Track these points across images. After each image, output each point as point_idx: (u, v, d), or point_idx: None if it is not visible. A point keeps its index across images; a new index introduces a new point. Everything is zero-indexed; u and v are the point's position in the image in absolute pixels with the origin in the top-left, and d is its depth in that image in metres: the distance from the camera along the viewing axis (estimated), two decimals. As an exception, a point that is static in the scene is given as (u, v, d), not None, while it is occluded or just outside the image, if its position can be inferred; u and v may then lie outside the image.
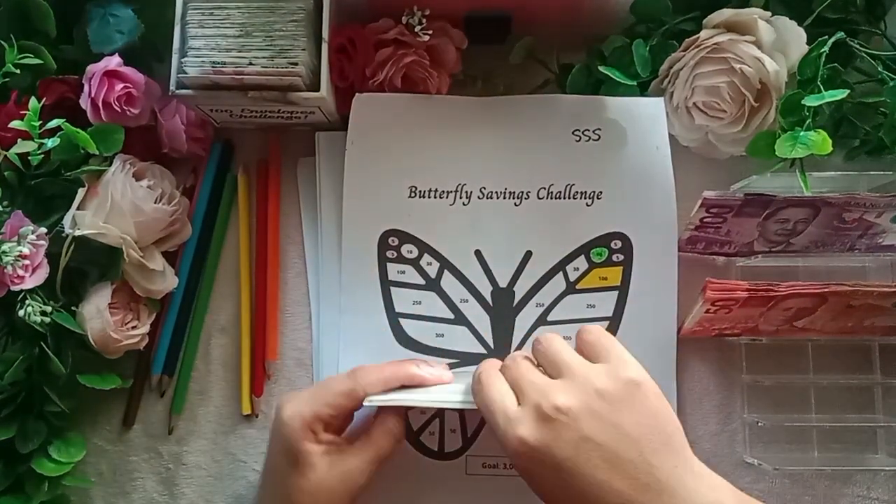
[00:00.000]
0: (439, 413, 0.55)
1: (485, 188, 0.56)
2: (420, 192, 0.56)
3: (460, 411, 0.55)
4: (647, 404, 0.41)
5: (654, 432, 0.40)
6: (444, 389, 0.48)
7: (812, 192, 0.50)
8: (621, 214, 0.55)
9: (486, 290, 0.56)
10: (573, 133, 0.56)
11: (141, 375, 0.58)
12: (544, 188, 0.56)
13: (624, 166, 0.56)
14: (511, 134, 0.57)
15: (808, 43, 0.52)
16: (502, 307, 0.55)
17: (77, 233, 0.52)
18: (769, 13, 0.53)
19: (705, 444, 0.55)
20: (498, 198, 0.56)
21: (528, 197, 0.56)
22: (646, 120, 0.55)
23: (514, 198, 0.56)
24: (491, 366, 0.46)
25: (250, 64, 0.53)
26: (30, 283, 0.51)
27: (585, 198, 0.56)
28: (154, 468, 0.58)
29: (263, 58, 0.53)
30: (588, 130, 0.56)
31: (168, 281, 0.56)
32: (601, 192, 0.56)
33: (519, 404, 0.42)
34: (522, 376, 0.43)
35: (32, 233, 0.52)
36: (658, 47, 0.56)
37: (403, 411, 0.50)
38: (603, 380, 0.42)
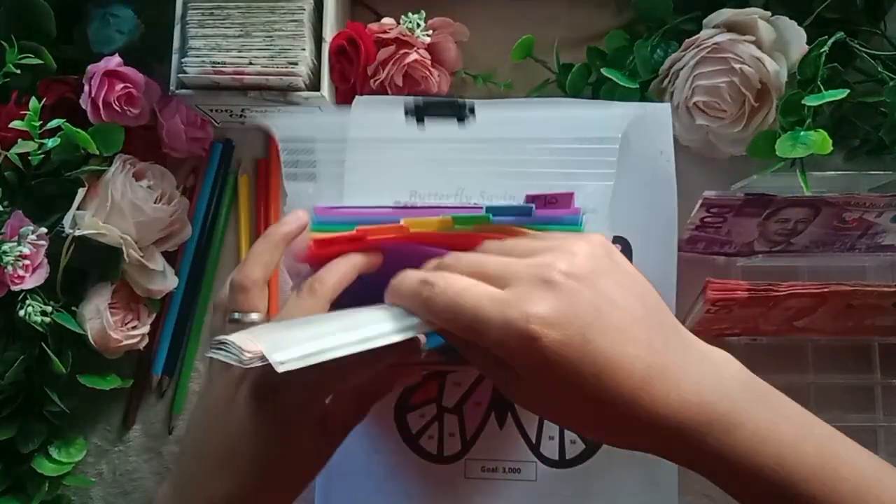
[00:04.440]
0: (438, 416, 0.55)
1: (485, 192, 0.56)
2: (420, 195, 0.56)
3: (460, 415, 0.55)
4: (628, 263, 0.36)
5: (649, 288, 0.36)
6: (364, 325, 0.35)
7: (812, 192, 0.50)
8: (622, 219, 0.55)
9: None
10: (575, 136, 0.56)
11: (141, 375, 0.58)
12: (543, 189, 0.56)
13: (627, 171, 0.55)
14: (510, 136, 0.57)
15: (808, 43, 0.52)
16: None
17: (77, 233, 0.52)
18: (769, 13, 0.53)
19: (705, 444, 0.55)
20: (498, 201, 0.56)
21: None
22: (651, 125, 0.55)
23: (514, 201, 0.56)
24: (420, 271, 0.36)
25: (250, 64, 0.53)
26: (30, 283, 0.51)
27: None
28: (154, 468, 0.58)
29: (263, 58, 0.53)
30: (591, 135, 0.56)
31: (168, 281, 0.56)
32: None
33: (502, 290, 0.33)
34: (485, 263, 0.35)
35: (32, 233, 0.52)
36: (658, 47, 0.56)
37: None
38: (583, 245, 0.35)
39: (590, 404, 0.33)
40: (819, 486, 0.32)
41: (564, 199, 0.44)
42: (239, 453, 0.37)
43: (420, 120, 0.46)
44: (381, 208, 0.47)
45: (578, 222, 0.43)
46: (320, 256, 0.43)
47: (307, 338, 0.33)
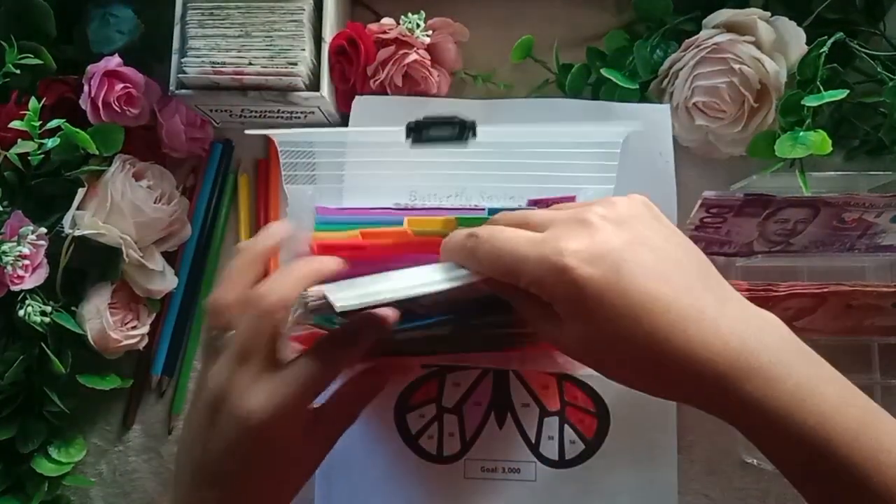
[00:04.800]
0: (438, 416, 0.55)
1: (485, 192, 0.56)
2: (420, 196, 0.56)
3: (459, 416, 0.55)
4: (665, 219, 0.37)
5: (690, 242, 0.36)
6: (416, 276, 0.37)
7: (812, 192, 0.50)
8: None
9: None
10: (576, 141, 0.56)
11: (141, 375, 0.58)
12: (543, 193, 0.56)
13: (626, 172, 0.55)
14: (511, 142, 0.57)
15: (808, 43, 0.52)
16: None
17: (77, 233, 0.52)
18: (769, 13, 0.53)
19: (705, 443, 0.55)
20: (498, 202, 0.56)
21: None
22: (651, 127, 0.55)
23: (514, 202, 0.56)
24: (484, 226, 0.38)
25: (250, 64, 0.53)
26: (30, 283, 0.51)
27: None
28: (154, 468, 0.58)
29: (263, 58, 0.53)
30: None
31: (168, 281, 0.56)
32: None
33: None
34: (527, 215, 0.37)
35: (32, 233, 0.52)
36: (658, 47, 0.56)
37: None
38: (623, 199, 0.36)
39: (625, 343, 0.33)
40: (858, 451, 0.31)
41: (565, 203, 0.44)
42: (226, 472, 0.38)
43: (420, 141, 0.45)
44: (382, 210, 0.47)
45: None
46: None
47: (363, 285, 0.36)
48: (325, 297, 0.35)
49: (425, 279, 0.37)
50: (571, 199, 0.44)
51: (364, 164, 0.51)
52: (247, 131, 0.47)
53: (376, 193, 0.51)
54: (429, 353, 0.49)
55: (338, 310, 0.35)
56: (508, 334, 0.47)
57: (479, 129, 0.45)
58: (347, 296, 0.35)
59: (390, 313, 0.38)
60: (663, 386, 0.35)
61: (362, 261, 0.43)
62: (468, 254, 0.36)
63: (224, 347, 0.39)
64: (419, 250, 0.42)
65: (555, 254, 0.33)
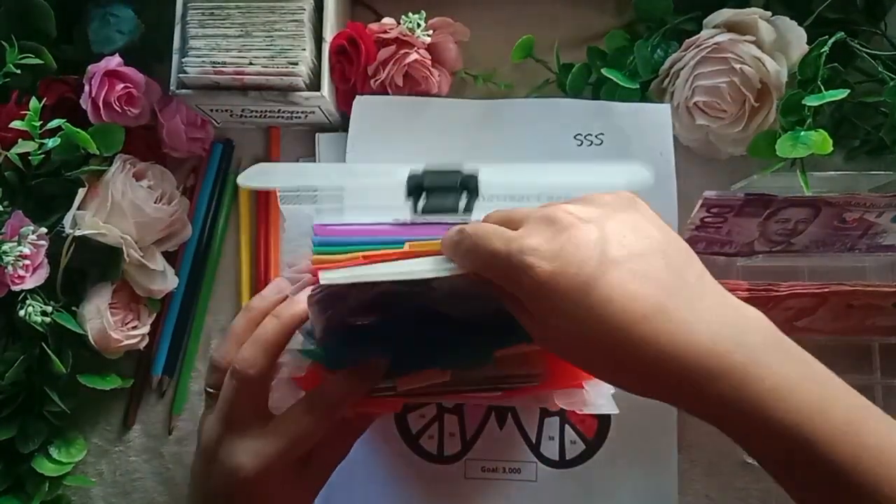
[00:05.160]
0: (438, 416, 0.55)
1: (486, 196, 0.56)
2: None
3: (460, 416, 0.55)
4: (657, 217, 0.37)
5: (675, 239, 0.36)
6: (406, 264, 0.39)
7: (812, 192, 0.50)
8: None
9: None
10: (575, 137, 0.56)
11: (141, 376, 0.58)
12: (545, 192, 0.56)
13: None
14: (512, 137, 0.57)
15: (809, 43, 0.52)
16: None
17: (77, 233, 0.52)
18: (769, 13, 0.53)
19: (705, 444, 0.55)
20: (497, 202, 0.56)
21: (528, 201, 0.56)
22: (651, 127, 0.55)
23: (513, 202, 0.56)
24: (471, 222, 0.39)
25: (250, 64, 0.53)
26: (30, 283, 0.51)
27: None
28: (154, 468, 0.58)
29: (263, 58, 0.53)
30: (591, 135, 0.56)
31: (168, 281, 0.56)
32: None
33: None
34: (516, 210, 0.37)
35: (33, 233, 0.52)
36: (658, 47, 0.56)
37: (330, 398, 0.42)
38: (607, 196, 0.36)
39: (593, 340, 0.33)
40: (841, 451, 0.31)
41: None
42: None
43: (421, 213, 0.44)
44: (382, 225, 0.46)
45: None
46: None
47: (354, 269, 0.38)
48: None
49: (414, 267, 0.38)
50: None
51: (364, 197, 0.50)
52: (240, 181, 0.46)
53: (376, 210, 0.51)
54: (426, 395, 0.49)
55: (322, 281, 0.37)
56: (506, 376, 0.46)
57: (480, 179, 0.43)
58: (335, 276, 0.37)
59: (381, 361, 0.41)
60: (634, 383, 0.34)
61: None
62: (454, 247, 0.37)
63: (214, 404, 0.42)
64: None
65: (519, 252, 0.33)
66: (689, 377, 0.32)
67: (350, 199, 0.48)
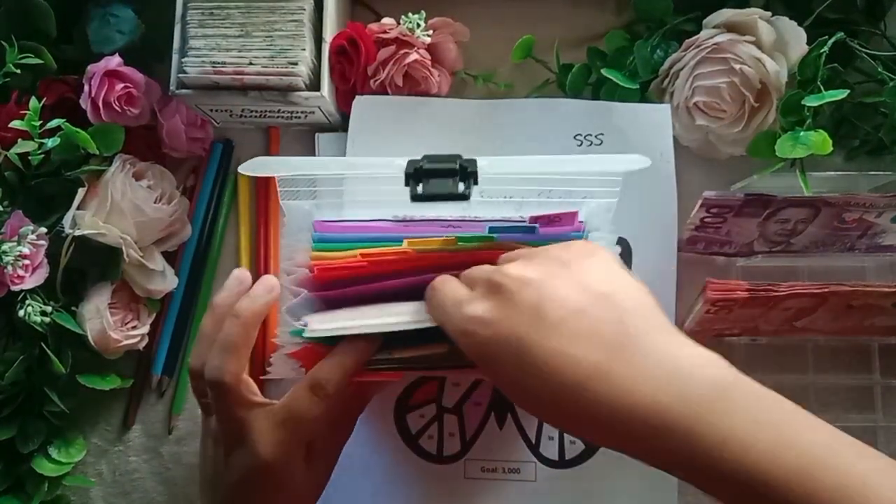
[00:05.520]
0: (438, 416, 0.55)
1: (485, 192, 0.56)
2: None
3: (459, 416, 0.55)
4: (613, 265, 0.37)
5: (625, 290, 0.36)
6: (391, 313, 0.42)
7: (812, 193, 0.50)
8: (622, 220, 0.55)
9: None
10: (574, 137, 0.56)
11: (141, 376, 0.58)
12: (544, 192, 0.56)
13: (627, 173, 0.55)
14: (511, 137, 0.57)
15: (808, 43, 0.52)
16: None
17: (77, 233, 0.52)
18: (769, 13, 0.53)
19: (705, 444, 0.55)
20: (496, 185, 0.56)
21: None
22: (651, 127, 0.55)
23: (513, 201, 0.56)
24: (445, 276, 0.41)
25: (250, 64, 0.53)
26: (30, 283, 0.51)
27: None
28: (154, 468, 0.58)
29: (263, 58, 0.53)
30: (591, 135, 0.56)
31: (168, 281, 0.56)
32: None
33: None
34: (476, 269, 0.39)
35: (32, 233, 0.52)
36: (658, 47, 0.56)
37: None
38: (558, 249, 0.38)
39: (534, 400, 0.35)
40: (793, 495, 0.31)
41: (568, 218, 0.43)
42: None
43: (420, 199, 0.44)
44: (380, 222, 0.47)
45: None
46: (323, 281, 0.43)
47: (339, 318, 0.42)
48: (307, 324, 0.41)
49: (394, 319, 0.40)
50: (574, 214, 0.44)
51: (364, 192, 0.50)
52: (241, 170, 0.48)
53: (375, 206, 0.51)
54: (425, 368, 0.49)
55: (305, 335, 0.41)
56: None
57: (479, 165, 0.44)
58: (321, 328, 0.41)
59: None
60: (593, 437, 0.35)
61: (364, 276, 0.43)
62: (427, 301, 0.39)
63: (209, 411, 0.43)
64: (419, 265, 0.42)
65: (461, 319, 0.36)
66: (637, 434, 0.33)
67: (349, 193, 0.48)
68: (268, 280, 0.44)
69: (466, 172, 0.44)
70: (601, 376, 0.33)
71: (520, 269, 0.36)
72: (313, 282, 0.44)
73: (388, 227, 0.46)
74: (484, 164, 0.44)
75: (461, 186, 0.44)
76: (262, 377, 0.50)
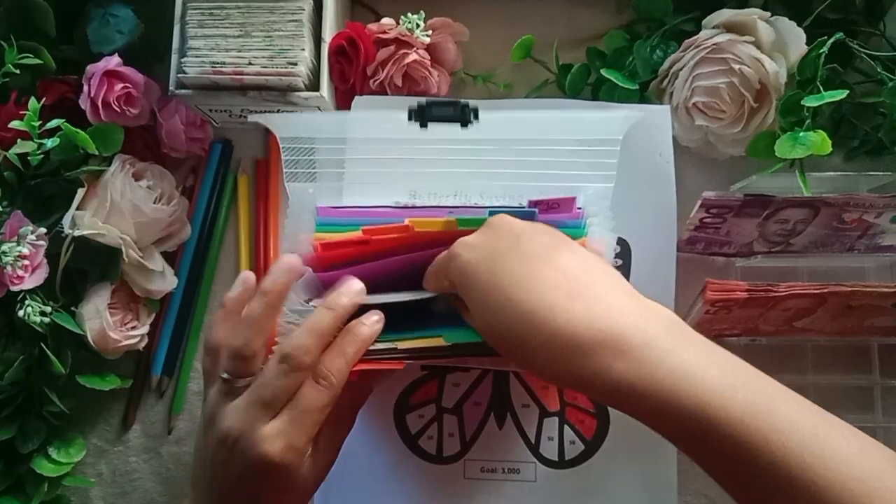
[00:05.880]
0: (438, 417, 0.55)
1: (484, 192, 0.56)
2: (420, 195, 0.56)
3: (459, 416, 0.55)
4: (579, 247, 0.40)
5: (602, 268, 0.39)
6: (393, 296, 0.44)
7: (811, 193, 0.50)
8: (622, 220, 0.55)
9: None
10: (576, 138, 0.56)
11: (141, 376, 0.58)
12: (544, 192, 0.56)
13: (626, 172, 0.55)
14: (511, 137, 0.57)
15: (808, 43, 0.52)
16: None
17: (76, 233, 0.52)
18: (769, 13, 0.53)
19: (705, 444, 0.55)
20: (497, 200, 0.56)
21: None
22: (650, 128, 0.55)
23: (513, 201, 0.56)
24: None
25: (250, 64, 0.53)
26: (29, 283, 0.51)
27: None
28: (153, 468, 0.58)
29: (263, 58, 0.53)
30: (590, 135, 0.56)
31: (168, 281, 0.56)
32: None
33: None
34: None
35: (32, 233, 0.52)
36: (658, 47, 0.56)
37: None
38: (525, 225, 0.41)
39: (500, 316, 0.37)
40: (745, 432, 0.32)
41: (566, 204, 0.44)
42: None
43: (423, 124, 0.48)
44: (383, 208, 0.47)
45: (580, 226, 0.44)
46: (326, 259, 0.44)
47: None
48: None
49: (396, 297, 0.43)
50: (572, 200, 0.44)
51: (365, 162, 0.51)
52: (250, 118, 0.49)
53: (376, 192, 0.52)
54: (426, 357, 0.49)
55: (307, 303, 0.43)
56: None
57: (481, 114, 0.47)
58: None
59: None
60: (541, 365, 0.36)
61: (367, 255, 0.43)
62: (427, 277, 0.43)
63: (244, 391, 0.41)
64: (421, 242, 0.43)
65: (453, 248, 0.40)
66: (586, 355, 0.34)
67: (350, 175, 0.50)
68: (286, 258, 0.44)
69: (467, 108, 0.48)
70: (563, 295, 0.36)
71: (504, 221, 0.40)
72: (316, 260, 0.44)
73: (389, 213, 0.47)
74: (483, 110, 0.48)
75: (462, 114, 0.48)
76: None
